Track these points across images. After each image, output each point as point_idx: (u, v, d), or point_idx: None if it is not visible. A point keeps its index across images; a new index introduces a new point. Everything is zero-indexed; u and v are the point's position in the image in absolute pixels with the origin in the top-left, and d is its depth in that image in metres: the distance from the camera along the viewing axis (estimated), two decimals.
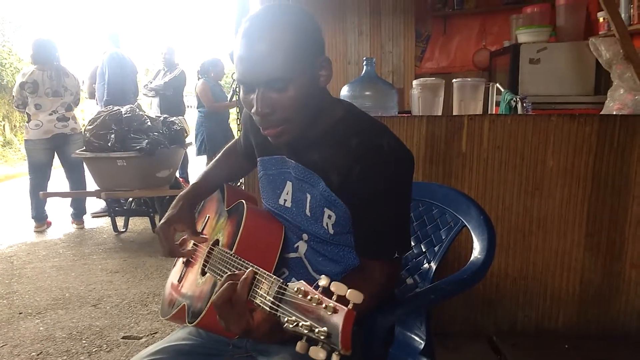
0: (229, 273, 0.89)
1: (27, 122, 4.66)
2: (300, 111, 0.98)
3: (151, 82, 5.92)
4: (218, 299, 0.83)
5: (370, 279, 1.03)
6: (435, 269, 1.35)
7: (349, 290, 0.67)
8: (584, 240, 2.26)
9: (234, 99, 5.41)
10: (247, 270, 0.85)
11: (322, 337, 0.66)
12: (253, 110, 0.98)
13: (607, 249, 2.27)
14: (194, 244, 1.27)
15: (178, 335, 1.20)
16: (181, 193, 1.29)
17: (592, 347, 2.23)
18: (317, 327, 0.66)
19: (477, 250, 1.21)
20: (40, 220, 4.76)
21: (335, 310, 0.66)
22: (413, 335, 1.32)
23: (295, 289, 0.73)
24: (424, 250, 1.41)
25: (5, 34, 13.41)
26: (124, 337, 2.53)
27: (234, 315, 0.83)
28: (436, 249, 1.38)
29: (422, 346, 1.28)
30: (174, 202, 1.26)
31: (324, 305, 0.67)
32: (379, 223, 1.03)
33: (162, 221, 1.22)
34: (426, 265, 1.38)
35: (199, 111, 5.85)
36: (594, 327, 2.32)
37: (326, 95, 1.08)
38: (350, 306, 0.66)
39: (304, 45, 0.97)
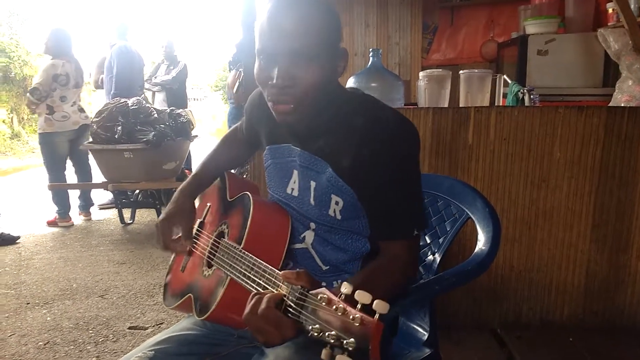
0: (257, 295, 0.84)
1: (50, 115, 4.47)
2: (316, 93, 0.98)
3: (156, 77, 5.90)
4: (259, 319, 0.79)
5: (393, 263, 1.02)
6: (440, 260, 1.35)
7: (376, 301, 0.65)
8: (590, 232, 2.25)
9: (239, 90, 5.39)
10: (275, 294, 0.82)
11: (350, 349, 0.64)
12: (271, 82, 0.96)
13: (613, 241, 2.25)
14: (196, 234, 1.27)
15: (183, 325, 1.20)
16: (182, 185, 1.28)
17: (598, 339, 2.22)
18: (344, 339, 0.65)
19: (481, 242, 1.20)
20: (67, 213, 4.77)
21: (362, 322, 0.65)
22: (417, 327, 1.33)
23: (319, 297, 0.71)
24: (428, 241, 1.41)
25: (12, 26, 13.44)
26: (130, 328, 2.54)
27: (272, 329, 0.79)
28: (441, 240, 1.38)
29: (425, 337, 1.28)
30: (174, 196, 1.26)
31: (350, 317, 0.66)
32: (393, 201, 1.02)
33: (161, 216, 1.22)
34: (431, 257, 1.38)
35: (230, 103, 5.83)
36: (600, 320, 2.31)
37: (338, 86, 1.08)
38: (377, 317, 0.65)
39: (331, 28, 0.98)
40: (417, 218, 1.05)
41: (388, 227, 1.04)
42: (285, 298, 0.79)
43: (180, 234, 1.24)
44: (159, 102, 5.86)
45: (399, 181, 1.01)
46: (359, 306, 0.67)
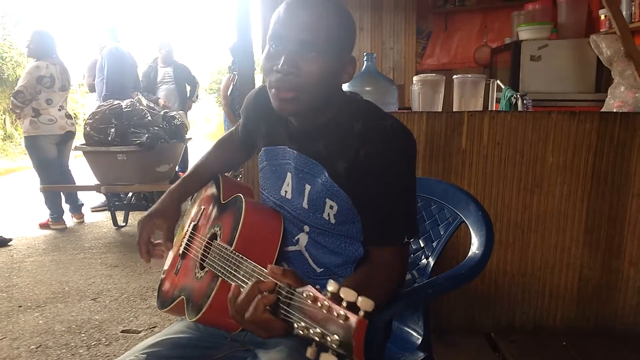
0: (255, 281, 0.85)
1: (36, 117, 4.37)
2: (318, 88, 0.99)
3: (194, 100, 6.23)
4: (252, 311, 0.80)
5: (382, 269, 1.02)
6: (434, 264, 1.35)
7: (360, 297, 0.65)
8: (583, 237, 2.26)
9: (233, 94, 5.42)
10: (268, 281, 0.82)
11: (334, 346, 0.65)
12: (276, 67, 0.98)
13: (606, 246, 2.27)
14: (190, 236, 1.27)
15: (176, 328, 1.20)
16: (171, 187, 1.29)
17: (590, 344, 2.24)
18: (329, 336, 0.65)
19: (475, 246, 1.21)
20: (70, 212, 4.79)
21: (346, 318, 0.65)
22: (410, 331, 1.33)
23: (305, 295, 0.71)
24: (422, 245, 1.41)
25: (5, 27, 13.37)
26: (123, 331, 2.53)
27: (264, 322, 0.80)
28: (434, 244, 1.38)
29: (419, 341, 1.28)
30: (162, 197, 1.27)
31: (335, 314, 0.66)
32: (387, 208, 1.03)
33: (145, 214, 1.24)
34: (424, 261, 1.38)
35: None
36: (592, 324, 2.32)
37: (340, 91, 1.09)
38: (361, 314, 0.65)
39: (344, 34, 1.02)
40: (409, 226, 1.05)
41: (379, 233, 1.05)
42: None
43: (161, 240, 1.25)
44: (163, 92, 6.01)
45: (394, 189, 1.02)
46: (344, 304, 0.66)
